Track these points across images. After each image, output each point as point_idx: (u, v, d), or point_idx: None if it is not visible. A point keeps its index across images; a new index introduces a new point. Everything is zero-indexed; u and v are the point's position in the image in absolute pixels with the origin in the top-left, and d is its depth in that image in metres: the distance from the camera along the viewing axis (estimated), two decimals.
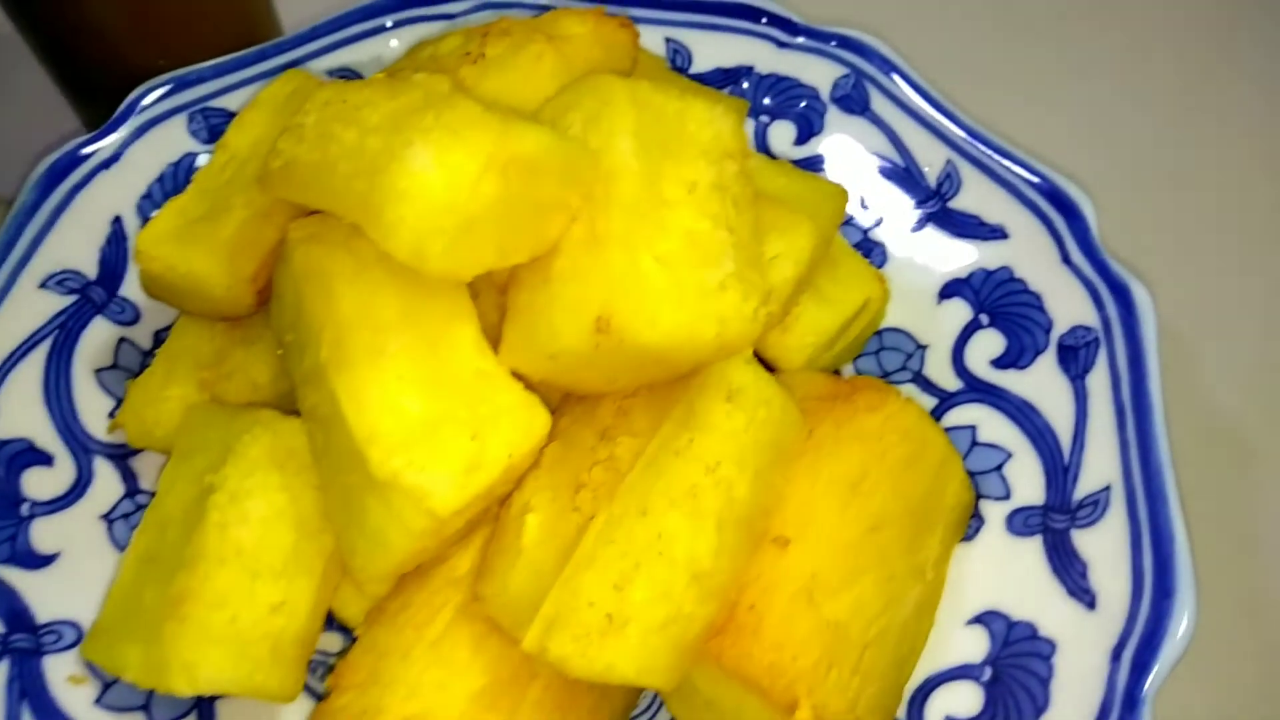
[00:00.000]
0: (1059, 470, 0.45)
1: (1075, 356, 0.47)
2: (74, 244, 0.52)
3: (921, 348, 0.52)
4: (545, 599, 0.35)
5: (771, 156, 0.59)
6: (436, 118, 0.35)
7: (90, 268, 0.52)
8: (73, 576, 0.45)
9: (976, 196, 0.53)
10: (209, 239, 0.44)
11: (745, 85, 0.60)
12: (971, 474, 0.47)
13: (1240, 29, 0.74)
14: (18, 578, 0.44)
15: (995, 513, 0.46)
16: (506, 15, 0.60)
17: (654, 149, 0.40)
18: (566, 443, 0.41)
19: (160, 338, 0.53)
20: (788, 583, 0.39)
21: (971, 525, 0.46)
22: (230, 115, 0.57)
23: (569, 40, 0.47)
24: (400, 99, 0.38)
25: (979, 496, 0.47)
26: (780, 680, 0.37)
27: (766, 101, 0.60)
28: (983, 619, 0.43)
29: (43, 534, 0.46)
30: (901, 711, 0.42)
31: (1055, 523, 0.44)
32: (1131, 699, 0.37)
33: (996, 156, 0.53)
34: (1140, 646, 0.38)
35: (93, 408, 0.50)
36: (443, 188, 0.34)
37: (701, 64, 0.61)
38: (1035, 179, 0.51)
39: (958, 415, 0.50)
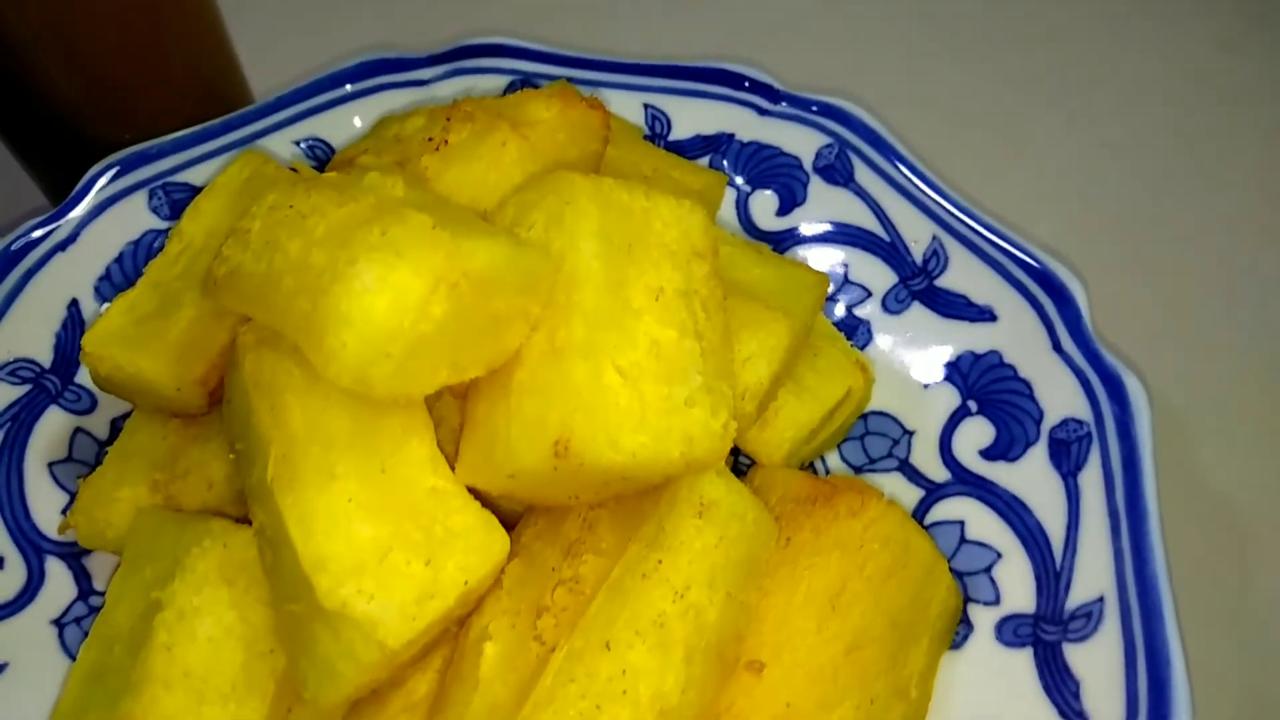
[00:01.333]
0: (1050, 576, 0.43)
1: (1067, 452, 0.45)
2: (28, 331, 0.50)
3: (908, 433, 0.50)
4: None
5: (753, 227, 0.57)
6: (383, 233, 0.33)
7: (45, 355, 0.50)
8: (20, 688, 0.43)
9: (964, 275, 0.51)
10: (157, 340, 0.42)
11: (725, 153, 0.58)
12: (959, 574, 0.45)
13: (1238, 104, 0.72)
14: None
15: (984, 619, 0.44)
16: (476, 82, 0.59)
17: (619, 251, 0.38)
18: (528, 560, 0.39)
19: (117, 426, 0.51)
20: (761, 713, 0.36)
21: (960, 631, 0.44)
22: (193, 189, 0.55)
23: (534, 126, 0.45)
24: (348, 207, 0.36)
25: (967, 599, 0.45)
26: None
27: (747, 170, 0.58)
28: None
29: None
30: None
31: (1047, 634, 0.42)
32: None
33: (984, 233, 0.51)
34: None
35: (46, 504, 0.48)
36: (387, 311, 0.32)
37: (681, 131, 0.59)
38: (1025, 259, 0.49)
39: (946, 508, 0.47)
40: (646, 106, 0.59)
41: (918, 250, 0.53)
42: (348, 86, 0.59)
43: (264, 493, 0.37)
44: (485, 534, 0.37)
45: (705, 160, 0.58)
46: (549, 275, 0.36)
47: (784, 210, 0.57)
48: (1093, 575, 0.42)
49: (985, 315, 0.50)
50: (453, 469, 0.38)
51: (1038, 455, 0.46)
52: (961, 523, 0.47)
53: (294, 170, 0.49)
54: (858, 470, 0.50)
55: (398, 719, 0.38)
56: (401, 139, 0.47)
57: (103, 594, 0.47)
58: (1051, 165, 0.69)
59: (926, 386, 0.51)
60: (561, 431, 0.34)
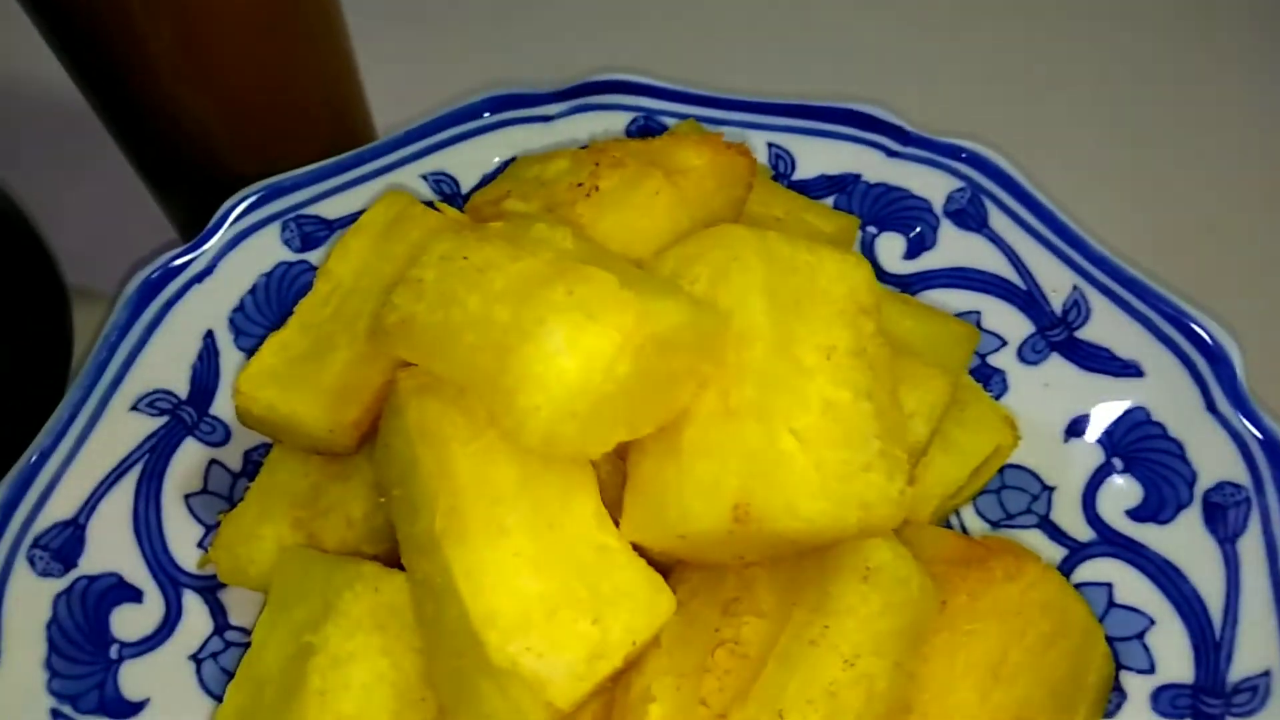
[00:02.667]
0: (1210, 646, 0.42)
1: (1224, 516, 0.44)
2: (166, 362, 0.51)
3: (1048, 489, 0.49)
4: None
5: (879, 270, 0.56)
6: (568, 293, 0.33)
7: (182, 386, 0.51)
8: None
9: (1107, 328, 0.50)
10: (312, 382, 0.42)
11: (851, 194, 0.57)
12: (1110, 639, 0.44)
13: None
14: None
15: (1138, 687, 0.43)
16: (599, 119, 0.59)
17: (786, 308, 0.38)
18: (687, 619, 0.38)
19: (250, 458, 0.51)
20: None
21: (1112, 699, 0.43)
22: (323, 222, 0.56)
23: (686, 174, 0.45)
24: (525, 261, 0.36)
25: (1119, 666, 0.43)
26: None
27: (874, 212, 0.57)
28: None
29: (131, 679, 0.44)
30: None
31: (1208, 707, 0.41)
32: None
33: (1129, 285, 0.50)
34: None
35: (182, 537, 0.48)
36: (578, 372, 0.32)
37: (805, 170, 0.58)
38: (1174, 313, 0.48)
39: (1091, 569, 0.46)
40: (770, 145, 0.59)
41: (1056, 300, 0.52)
42: (473, 122, 0.59)
43: (430, 544, 0.37)
44: (652, 593, 0.36)
45: (830, 201, 0.58)
46: (723, 334, 0.36)
47: (911, 254, 0.56)
48: (1257, 647, 0.41)
49: (1131, 370, 0.49)
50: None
51: (1191, 519, 0.45)
52: (1109, 585, 0.46)
53: (436, 209, 0.49)
54: (995, 525, 0.49)
55: None
56: (544, 182, 0.47)
57: (238, 629, 0.47)
58: (1187, 208, 0.67)
59: (1066, 440, 0.50)
60: (741, 496, 0.34)
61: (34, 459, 0.45)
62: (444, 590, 0.36)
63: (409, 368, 0.41)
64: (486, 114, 0.59)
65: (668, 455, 0.36)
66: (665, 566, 0.40)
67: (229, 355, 0.52)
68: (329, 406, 0.42)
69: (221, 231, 0.53)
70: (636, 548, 0.37)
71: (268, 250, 0.54)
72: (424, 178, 0.57)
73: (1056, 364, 0.51)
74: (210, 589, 0.48)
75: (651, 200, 0.43)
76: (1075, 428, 0.50)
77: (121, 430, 0.49)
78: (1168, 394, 0.47)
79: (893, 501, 0.35)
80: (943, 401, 0.41)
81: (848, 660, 0.35)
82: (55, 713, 0.42)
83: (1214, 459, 0.45)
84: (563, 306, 0.33)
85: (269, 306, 0.54)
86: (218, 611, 0.47)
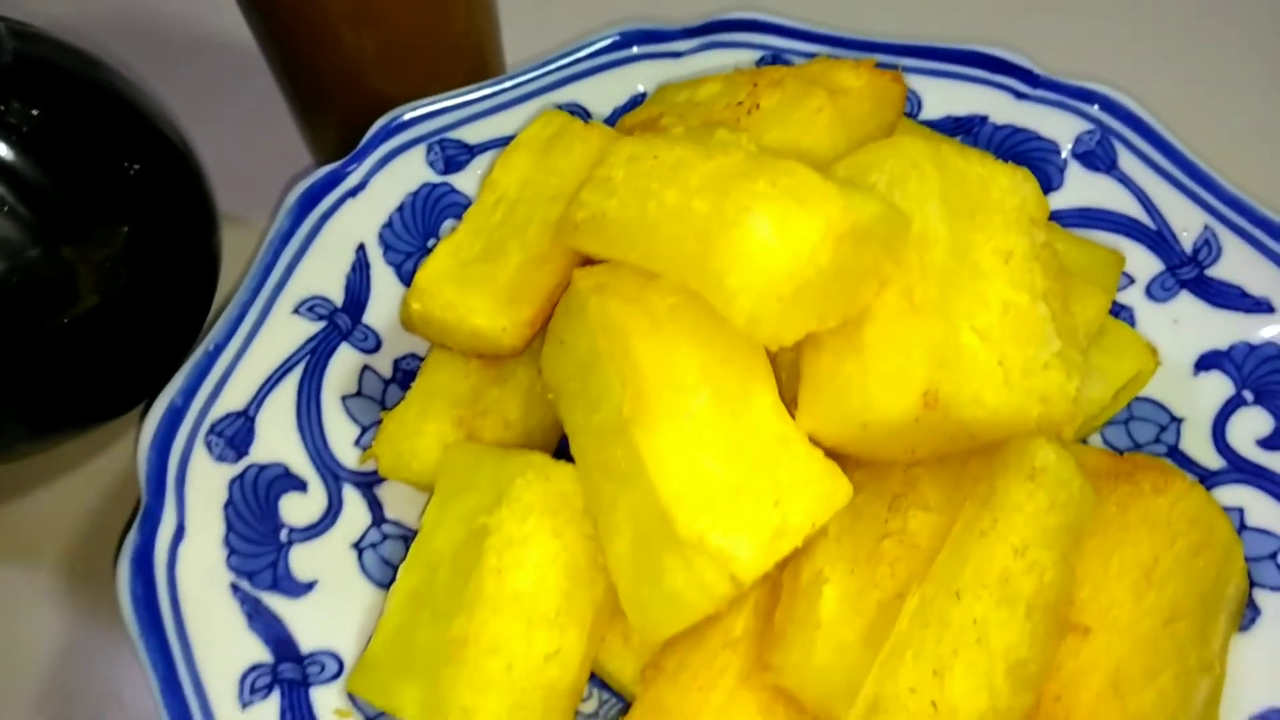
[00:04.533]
0: None
1: None
2: (323, 270, 0.53)
3: (1176, 420, 0.50)
4: (863, 678, 0.34)
5: None
6: (772, 184, 0.35)
7: (337, 294, 0.53)
8: (330, 606, 0.46)
9: (1238, 266, 0.51)
10: (489, 282, 0.44)
11: (977, 135, 0.59)
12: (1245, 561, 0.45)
13: None
14: (281, 605, 0.45)
15: (1272, 604, 0.44)
16: (728, 57, 0.60)
17: (962, 215, 0.39)
18: (854, 512, 0.40)
19: (400, 366, 0.53)
20: (1093, 673, 0.37)
21: (1246, 615, 0.44)
22: (465, 147, 0.57)
23: (845, 94, 0.46)
24: (718, 159, 0.37)
25: (1252, 585, 0.45)
26: None
27: (1000, 153, 0.58)
28: (1266, 718, 0.42)
29: (301, 561, 0.47)
30: None
31: None
32: None
33: (1260, 229, 0.51)
34: None
35: (340, 435, 0.50)
36: (784, 256, 0.34)
37: (932, 111, 0.60)
38: None
39: (1221, 495, 0.47)
40: None
41: (1187, 240, 0.53)
42: (605, 56, 0.60)
43: (615, 430, 0.39)
44: (830, 479, 0.38)
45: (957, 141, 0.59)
46: (906, 235, 0.38)
47: None
48: None
49: (1262, 307, 0.50)
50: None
51: None
52: (1241, 510, 0.47)
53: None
54: (1122, 454, 0.51)
55: (720, 655, 0.40)
56: (697, 103, 0.49)
57: (393, 523, 0.49)
58: None
59: (1195, 375, 0.51)
60: (929, 384, 0.35)
61: (210, 350, 0.48)
62: (629, 473, 0.38)
63: (585, 268, 0.42)
64: (618, 48, 0.60)
65: (849, 350, 0.38)
66: None
67: (379, 268, 0.54)
68: (504, 306, 0.44)
69: (375, 151, 0.55)
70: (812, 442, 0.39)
71: (414, 171, 0.56)
72: (558, 107, 0.59)
73: (1185, 301, 0.52)
74: (367, 484, 0.50)
75: (814, 117, 0.45)
76: (1204, 362, 0.51)
77: (285, 332, 0.51)
78: None
79: (1070, 399, 0.37)
80: (1099, 318, 0.43)
81: (1017, 550, 0.37)
82: (234, 586, 0.44)
83: None
84: (768, 196, 0.34)
85: (415, 224, 0.56)
86: (375, 505, 0.49)
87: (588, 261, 0.43)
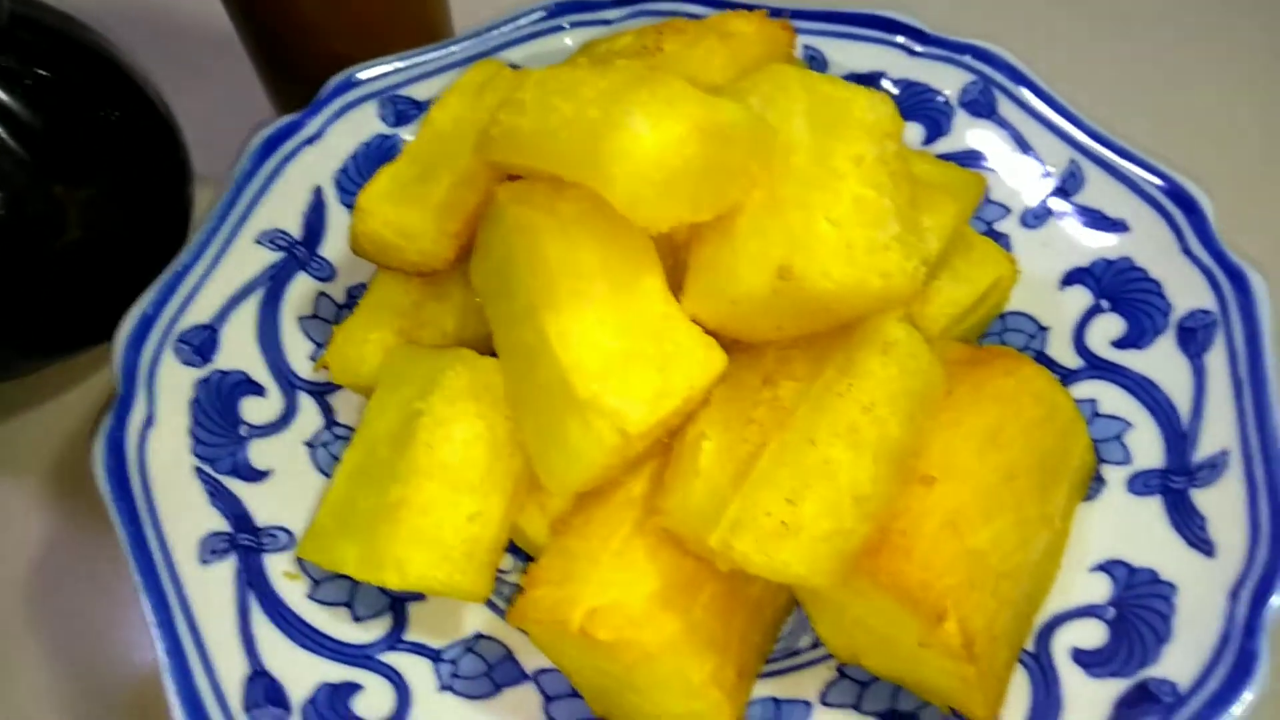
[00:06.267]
0: (1178, 438, 0.49)
1: (1194, 337, 0.51)
2: (282, 207, 0.59)
3: (1043, 329, 0.57)
4: (728, 506, 0.40)
5: None
6: (651, 92, 0.41)
7: (295, 229, 0.59)
8: (283, 491, 0.52)
9: (1099, 193, 0.57)
10: (421, 200, 0.50)
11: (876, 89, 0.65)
12: (1093, 441, 0.51)
13: None
14: (239, 487, 0.51)
15: (1116, 476, 0.50)
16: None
17: (823, 128, 0.45)
18: (733, 385, 0.46)
19: (353, 293, 0.59)
20: (934, 514, 0.43)
21: (1093, 487, 0.50)
22: (413, 102, 0.64)
23: (737, 37, 0.53)
24: (611, 77, 0.44)
25: (1100, 461, 0.51)
26: (929, 595, 0.41)
27: (896, 104, 0.64)
28: (1105, 567, 0.47)
29: (258, 453, 0.52)
30: (1030, 644, 0.46)
31: (1174, 483, 0.48)
32: (1251, 628, 0.41)
33: (1118, 157, 0.57)
34: (1259, 583, 0.42)
35: (296, 349, 0.56)
36: (655, 147, 0.40)
37: (835, 69, 0.66)
38: (1156, 178, 0.56)
39: (1079, 390, 0.53)
40: (804, 47, 0.66)
41: (1055, 173, 0.59)
42: (542, 23, 0.67)
43: (526, 315, 0.45)
44: (707, 350, 0.44)
45: None
46: (770, 140, 0.44)
47: (929, 139, 0.63)
48: (1217, 433, 0.48)
49: (1118, 227, 0.56)
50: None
51: (1166, 342, 0.52)
52: (1094, 401, 0.53)
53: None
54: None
55: (620, 511, 0.46)
56: (615, 52, 0.55)
57: (344, 425, 0.55)
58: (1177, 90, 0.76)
59: (1061, 289, 0.57)
60: (784, 260, 0.42)
61: (179, 270, 0.54)
62: (537, 350, 0.44)
63: (505, 184, 0.49)
64: (553, 16, 0.67)
65: (723, 239, 0.44)
66: None
67: (334, 208, 0.61)
68: (435, 219, 0.50)
69: (331, 104, 0.62)
70: (695, 322, 0.45)
71: (367, 123, 0.63)
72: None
73: (1053, 226, 0.59)
74: (320, 392, 0.56)
75: (709, 58, 0.51)
76: (1069, 279, 0.57)
77: (247, 258, 0.57)
78: (1149, 243, 0.55)
79: (908, 275, 0.43)
80: (951, 223, 0.49)
81: (866, 407, 0.42)
82: (198, 470, 0.50)
83: (1187, 292, 0.53)
84: (645, 101, 0.41)
85: (367, 170, 0.62)
86: (327, 410, 0.55)
87: (513, 179, 0.50)
